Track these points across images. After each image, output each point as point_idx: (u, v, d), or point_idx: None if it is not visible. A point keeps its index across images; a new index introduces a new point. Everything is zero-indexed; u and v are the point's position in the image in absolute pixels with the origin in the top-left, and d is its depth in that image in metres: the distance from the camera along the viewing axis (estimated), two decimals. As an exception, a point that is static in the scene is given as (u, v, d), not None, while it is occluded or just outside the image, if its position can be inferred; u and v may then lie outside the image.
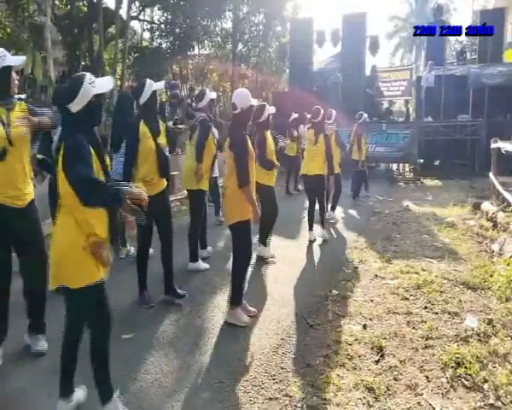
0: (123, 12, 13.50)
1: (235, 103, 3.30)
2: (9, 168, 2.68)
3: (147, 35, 19.15)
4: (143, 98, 3.53)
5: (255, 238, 4.60)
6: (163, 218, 3.73)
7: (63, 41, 13.85)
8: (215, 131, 4.73)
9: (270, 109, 4.59)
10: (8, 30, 13.45)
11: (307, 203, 5.90)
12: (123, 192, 2.03)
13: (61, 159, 2.07)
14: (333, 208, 7.04)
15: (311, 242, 5.65)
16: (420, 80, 13.88)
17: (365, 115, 8.56)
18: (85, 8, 14.52)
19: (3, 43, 12.00)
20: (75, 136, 2.08)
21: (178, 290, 3.86)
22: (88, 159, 2.05)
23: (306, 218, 5.92)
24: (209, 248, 5.06)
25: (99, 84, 2.15)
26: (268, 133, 4.73)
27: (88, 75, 2.13)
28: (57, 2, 14.03)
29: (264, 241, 4.95)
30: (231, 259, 3.53)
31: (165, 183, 3.75)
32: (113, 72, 12.84)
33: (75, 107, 2.08)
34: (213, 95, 4.73)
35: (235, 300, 3.41)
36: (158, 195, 3.58)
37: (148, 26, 18.38)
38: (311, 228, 5.75)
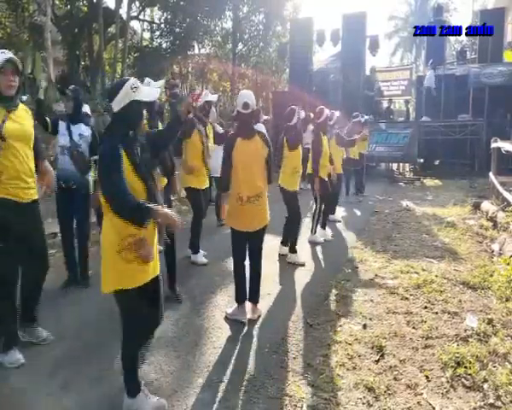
0: (123, 12, 13.54)
1: (248, 103, 3.24)
2: (8, 163, 2.68)
3: (147, 35, 19.18)
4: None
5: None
6: None
7: (63, 41, 13.85)
8: (201, 128, 4.67)
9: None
10: (8, 30, 13.44)
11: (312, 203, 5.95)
12: (154, 212, 2.03)
13: (98, 161, 2.11)
14: (332, 210, 7.01)
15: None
16: (420, 80, 13.89)
17: (365, 117, 8.56)
18: (85, 8, 14.52)
19: (3, 43, 12.02)
20: (110, 139, 2.11)
21: (178, 293, 3.85)
22: (119, 168, 2.03)
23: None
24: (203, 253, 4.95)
25: (142, 92, 2.14)
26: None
27: (132, 80, 2.15)
28: (57, 2, 14.02)
29: (285, 243, 5.04)
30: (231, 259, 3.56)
31: (166, 181, 3.79)
32: (113, 72, 12.84)
33: (115, 106, 2.11)
34: (211, 97, 4.75)
35: (235, 297, 3.45)
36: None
37: (148, 26, 18.40)
38: (323, 227, 5.91)
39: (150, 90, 2.28)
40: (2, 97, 2.68)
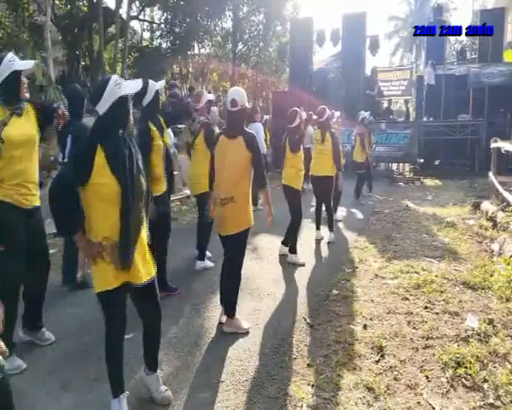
0: (123, 12, 13.54)
1: (235, 100, 3.05)
2: (10, 170, 2.67)
3: (147, 35, 19.20)
4: (147, 99, 3.54)
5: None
6: (163, 218, 3.68)
7: (63, 41, 13.85)
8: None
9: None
10: (9, 30, 13.44)
11: (313, 203, 5.93)
12: (76, 236, 2.11)
13: None
14: (334, 209, 7.00)
15: (318, 241, 5.67)
16: (420, 80, 13.89)
17: (365, 114, 8.43)
18: (85, 8, 14.52)
19: (3, 43, 12.02)
20: (91, 136, 2.13)
21: (170, 284, 3.86)
22: (78, 164, 2.05)
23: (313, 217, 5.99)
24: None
25: (126, 87, 2.12)
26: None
27: (113, 77, 2.12)
28: (57, 2, 14.01)
29: (286, 243, 5.01)
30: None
31: (165, 185, 3.75)
32: (113, 72, 12.83)
33: (102, 107, 2.07)
34: (211, 96, 4.74)
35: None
36: (163, 194, 3.62)
37: (148, 26, 18.41)
38: (317, 227, 5.81)
39: (132, 83, 2.25)
40: (17, 100, 2.70)
